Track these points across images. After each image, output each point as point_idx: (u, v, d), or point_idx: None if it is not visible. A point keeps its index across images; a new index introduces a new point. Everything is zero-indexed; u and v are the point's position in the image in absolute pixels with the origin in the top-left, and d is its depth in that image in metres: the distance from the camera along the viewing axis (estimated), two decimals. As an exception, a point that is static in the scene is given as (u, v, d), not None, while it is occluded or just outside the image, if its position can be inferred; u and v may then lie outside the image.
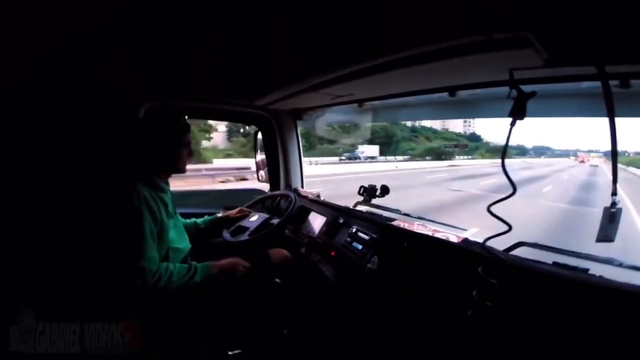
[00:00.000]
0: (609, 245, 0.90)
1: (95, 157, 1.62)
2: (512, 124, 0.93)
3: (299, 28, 1.00)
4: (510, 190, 0.96)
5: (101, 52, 1.27)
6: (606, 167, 15.82)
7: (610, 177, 0.96)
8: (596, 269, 0.93)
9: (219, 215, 1.92)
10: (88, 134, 1.63)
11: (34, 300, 1.11)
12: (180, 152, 1.45)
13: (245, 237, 1.80)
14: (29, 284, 1.22)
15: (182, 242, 1.53)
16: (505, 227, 1.00)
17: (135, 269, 1.26)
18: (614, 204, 0.91)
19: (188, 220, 1.79)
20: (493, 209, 0.99)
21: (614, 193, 0.92)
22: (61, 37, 1.12)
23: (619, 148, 0.95)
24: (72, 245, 1.40)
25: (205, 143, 20.30)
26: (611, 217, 0.90)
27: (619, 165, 1.02)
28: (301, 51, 1.21)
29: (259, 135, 2.39)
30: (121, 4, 0.89)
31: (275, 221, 1.88)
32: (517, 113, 0.91)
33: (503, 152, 0.99)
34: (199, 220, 1.84)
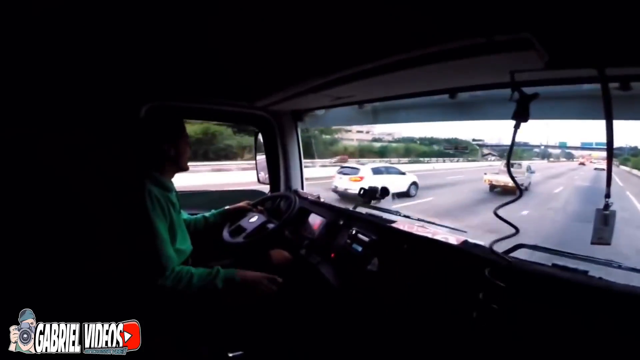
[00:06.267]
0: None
1: (101, 156, 1.62)
2: (517, 127, 0.93)
3: (299, 29, 1.00)
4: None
5: (102, 52, 1.27)
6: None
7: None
8: (595, 271, 0.93)
9: (227, 207, 1.94)
10: (92, 134, 1.63)
11: (34, 300, 1.11)
12: (183, 149, 1.48)
13: (240, 239, 1.81)
14: (29, 284, 1.21)
15: (184, 243, 1.51)
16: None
17: (155, 268, 1.26)
18: (606, 206, 0.90)
19: (197, 216, 1.81)
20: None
21: (608, 196, 0.91)
22: (62, 38, 1.12)
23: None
24: (79, 246, 1.39)
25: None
26: (605, 220, 0.90)
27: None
28: (302, 52, 1.21)
29: (259, 137, 2.39)
30: (121, 4, 0.89)
31: (271, 226, 1.89)
32: (521, 115, 0.91)
33: (508, 154, 0.99)
34: (208, 214, 1.86)
